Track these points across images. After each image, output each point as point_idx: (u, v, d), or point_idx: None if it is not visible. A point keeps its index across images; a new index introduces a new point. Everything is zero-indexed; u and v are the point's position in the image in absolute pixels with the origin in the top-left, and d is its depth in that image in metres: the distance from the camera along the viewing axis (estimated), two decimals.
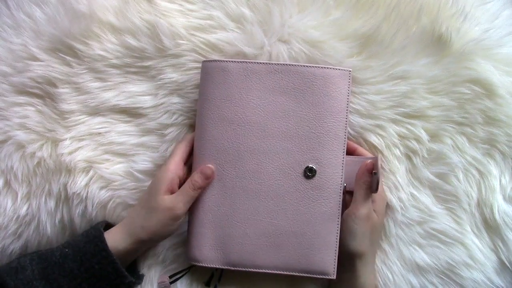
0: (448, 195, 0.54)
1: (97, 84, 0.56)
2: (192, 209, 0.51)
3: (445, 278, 0.54)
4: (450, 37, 0.52)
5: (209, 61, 0.52)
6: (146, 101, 0.56)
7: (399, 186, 0.54)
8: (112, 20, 0.56)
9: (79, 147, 0.56)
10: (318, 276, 0.50)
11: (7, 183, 0.55)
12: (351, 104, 0.53)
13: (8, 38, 0.57)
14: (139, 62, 0.56)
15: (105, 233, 0.49)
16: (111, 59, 0.56)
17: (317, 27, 0.53)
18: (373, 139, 0.54)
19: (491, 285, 0.53)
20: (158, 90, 0.55)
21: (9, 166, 0.55)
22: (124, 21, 0.55)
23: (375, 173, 0.48)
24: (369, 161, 0.50)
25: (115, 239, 0.48)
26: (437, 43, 0.53)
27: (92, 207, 0.54)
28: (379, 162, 0.49)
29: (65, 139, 0.55)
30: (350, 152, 0.53)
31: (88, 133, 0.56)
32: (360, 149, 0.53)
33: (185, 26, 0.55)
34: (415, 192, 0.54)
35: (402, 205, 0.54)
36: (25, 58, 0.56)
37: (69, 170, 0.55)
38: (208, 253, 0.50)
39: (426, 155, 0.54)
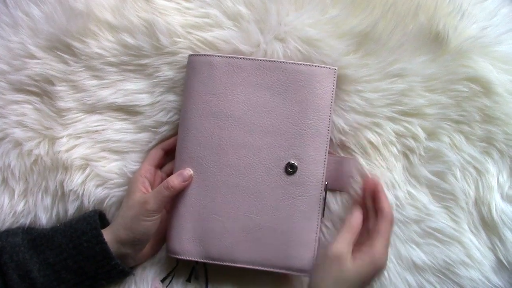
0: (446, 193, 0.54)
1: (94, 82, 0.56)
2: (174, 201, 0.51)
3: (442, 277, 0.53)
4: (448, 35, 0.52)
5: (195, 55, 0.52)
6: (143, 99, 0.56)
7: (396, 184, 0.53)
8: (109, 18, 0.56)
9: (76, 145, 0.56)
10: (296, 273, 0.50)
11: (4, 181, 0.56)
12: (347, 102, 0.53)
13: (6, 36, 0.58)
14: (136, 60, 0.56)
15: (104, 230, 0.49)
16: (108, 57, 0.56)
17: (313, 25, 0.53)
18: (370, 136, 0.54)
19: (489, 284, 0.53)
20: (155, 88, 0.55)
21: (6, 164, 0.55)
22: (121, 19, 0.56)
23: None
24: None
25: (108, 238, 0.49)
26: (435, 41, 0.53)
27: (88, 204, 0.54)
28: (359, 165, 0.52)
29: (62, 137, 0.56)
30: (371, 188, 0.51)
31: (85, 131, 0.56)
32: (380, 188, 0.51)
33: (182, 24, 0.55)
34: (412, 190, 0.54)
35: (398, 203, 0.53)
36: (22, 56, 0.57)
37: (66, 168, 0.55)
38: (187, 246, 0.50)
39: (423, 153, 0.54)
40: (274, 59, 0.51)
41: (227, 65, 0.51)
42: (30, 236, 0.49)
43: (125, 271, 0.50)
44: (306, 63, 0.51)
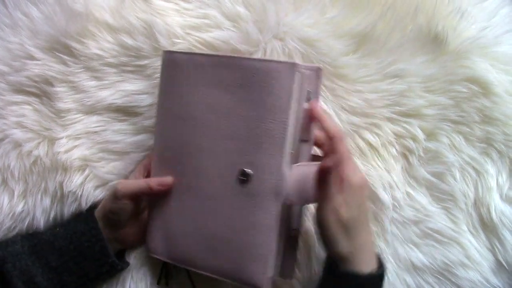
0: (445, 194, 0.54)
1: (93, 83, 0.56)
2: (152, 200, 0.51)
3: (441, 278, 0.53)
4: (447, 35, 0.52)
5: (165, 52, 0.50)
6: (142, 100, 0.56)
7: (394, 185, 0.53)
8: (108, 19, 0.56)
9: (75, 146, 0.56)
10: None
11: (4, 181, 0.56)
12: (347, 102, 0.53)
13: (5, 37, 0.58)
14: (135, 61, 0.56)
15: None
16: (107, 58, 0.56)
17: (312, 25, 0.53)
18: (369, 137, 0.53)
19: (488, 285, 0.53)
20: (154, 88, 0.55)
21: (6, 165, 0.55)
22: (120, 20, 0.56)
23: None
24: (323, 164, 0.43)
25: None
26: (434, 41, 0.53)
27: (86, 205, 0.55)
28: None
29: (62, 138, 0.56)
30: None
31: (84, 132, 0.56)
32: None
33: (181, 25, 0.55)
34: (411, 191, 0.54)
35: (397, 204, 0.53)
36: (22, 57, 0.57)
37: (65, 169, 0.55)
38: (157, 246, 0.50)
39: (422, 154, 0.54)
40: (232, 55, 0.48)
41: (188, 63, 0.47)
42: (30, 243, 0.49)
43: (122, 267, 0.51)
44: (263, 58, 0.47)
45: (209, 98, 0.46)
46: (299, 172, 0.45)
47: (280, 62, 0.45)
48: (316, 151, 0.50)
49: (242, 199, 0.45)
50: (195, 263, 0.48)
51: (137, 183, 0.49)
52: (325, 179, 0.43)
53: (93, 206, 0.53)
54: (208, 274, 0.48)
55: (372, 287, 0.44)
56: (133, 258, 0.55)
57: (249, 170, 0.44)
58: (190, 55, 0.48)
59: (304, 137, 0.46)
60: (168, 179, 0.48)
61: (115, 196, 0.48)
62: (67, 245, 0.48)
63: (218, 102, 0.46)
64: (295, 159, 0.46)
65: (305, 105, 0.45)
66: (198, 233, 0.47)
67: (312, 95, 0.46)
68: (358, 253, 0.43)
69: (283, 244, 0.47)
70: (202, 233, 0.47)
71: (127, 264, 0.53)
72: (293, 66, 0.43)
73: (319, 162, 0.44)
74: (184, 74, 0.47)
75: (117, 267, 0.50)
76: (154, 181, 0.48)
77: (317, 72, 0.46)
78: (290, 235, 0.48)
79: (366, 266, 0.43)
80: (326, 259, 0.46)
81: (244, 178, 0.45)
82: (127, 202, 0.49)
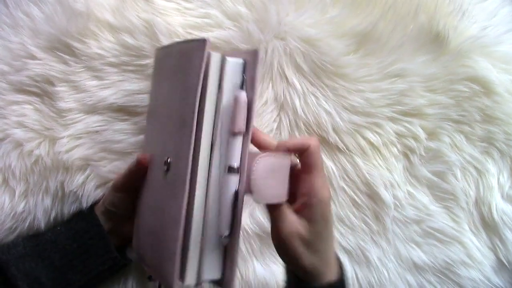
0: (446, 193, 0.54)
1: (94, 82, 0.56)
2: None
3: (442, 277, 0.53)
4: (448, 35, 0.52)
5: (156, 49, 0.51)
6: (144, 100, 0.55)
7: (396, 184, 0.54)
8: (109, 19, 0.56)
9: (77, 145, 0.56)
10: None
11: (4, 181, 0.55)
12: (348, 101, 0.53)
13: (6, 36, 0.57)
14: (136, 61, 0.56)
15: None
16: (108, 57, 0.56)
17: (313, 25, 0.53)
18: (370, 137, 0.54)
19: (489, 284, 0.53)
20: None
21: (7, 164, 0.55)
22: (122, 20, 0.55)
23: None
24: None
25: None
26: (435, 41, 0.53)
27: (87, 205, 0.54)
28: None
29: (63, 137, 0.55)
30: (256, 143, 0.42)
31: (86, 131, 0.56)
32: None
33: (182, 24, 0.55)
34: (412, 191, 0.54)
35: (399, 203, 0.53)
36: (23, 57, 0.57)
37: (67, 168, 0.55)
38: (134, 243, 0.50)
39: (423, 153, 0.54)
40: (173, 42, 0.48)
41: (157, 57, 0.49)
42: (32, 244, 0.49)
43: (125, 264, 0.51)
44: (187, 39, 0.46)
45: (160, 89, 0.46)
46: (266, 163, 0.38)
47: (193, 40, 0.41)
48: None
49: (164, 190, 0.42)
50: (146, 261, 0.45)
51: (125, 171, 0.48)
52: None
53: (94, 204, 0.53)
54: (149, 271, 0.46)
55: None
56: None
57: (170, 159, 0.41)
58: (160, 50, 0.48)
59: (235, 129, 0.38)
60: (142, 155, 0.47)
61: (112, 187, 0.49)
62: (70, 243, 0.48)
63: (162, 91, 0.46)
64: (225, 151, 0.39)
65: (240, 94, 0.38)
66: (145, 227, 0.46)
67: (247, 81, 0.39)
68: (322, 266, 0.40)
69: (213, 249, 0.40)
70: (146, 227, 0.45)
71: (129, 260, 0.53)
72: (202, 43, 0.37)
73: (283, 154, 0.38)
74: (156, 69, 0.49)
75: (120, 263, 0.50)
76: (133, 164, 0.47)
77: (254, 56, 0.38)
78: (222, 243, 0.40)
79: (330, 276, 0.41)
80: (286, 274, 0.44)
81: (166, 167, 0.41)
82: (125, 194, 0.49)
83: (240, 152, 0.39)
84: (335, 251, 0.43)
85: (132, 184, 0.48)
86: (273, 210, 0.39)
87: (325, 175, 0.41)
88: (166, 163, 0.41)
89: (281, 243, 0.39)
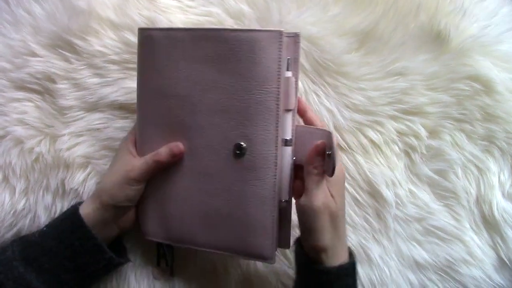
0: (447, 191, 0.54)
1: (96, 80, 0.56)
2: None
3: (443, 275, 0.53)
4: (449, 33, 0.53)
5: (140, 29, 0.48)
6: None
7: (397, 182, 0.54)
8: (111, 16, 0.56)
9: (78, 143, 0.55)
10: (257, 260, 0.47)
11: (5, 178, 0.55)
12: (349, 99, 0.53)
13: (7, 34, 0.57)
14: None
15: (80, 207, 0.48)
16: (110, 55, 0.56)
17: (315, 23, 0.53)
18: (372, 135, 0.54)
19: (490, 282, 0.53)
20: None
21: (8, 161, 0.55)
22: (123, 17, 0.56)
23: (329, 154, 0.42)
24: (320, 141, 0.44)
25: (87, 211, 0.47)
26: (436, 39, 0.53)
27: None
28: (334, 139, 0.42)
29: (64, 135, 0.55)
30: (301, 113, 0.48)
31: (87, 129, 0.56)
32: (315, 118, 0.48)
33: (183, 22, 0.55)
34: (413, 189, 0.54)
35: (400, 202, 0.53)
36: (24, 54, 0.56)
37: (67, 166, 0.55)
38: (152, 228, 0.50)
39: (424, 152, 0.54)
40: (212, 27, 0.47)
41: (166, 39, 0.45)
42: (20, 247, 0.47)
43: (121, 262, 0.49)
44: (247, 28, 0.46)
45: (192, 73, 0.45)
46: (303, 133, 0.46)
47: (265, 31, 0.43)
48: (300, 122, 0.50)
49: (239, 173, 0.44)
50: (195, 241, 0.48)
51: (146, 163, 0.47)
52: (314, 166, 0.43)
53: (77, 203, 0.50)
54: (210, 251, 0.47)
55: (348, 277, 0.44)
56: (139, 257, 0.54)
57: (244, 144, 0.44)
58: (167, 31, 0.46)
59: (289, 106, 0.45)
60: (175, 145, 0.46)
61: (129, 182, 0.47)
62: (57, 244, 0.46)
63: (202, 77, 0.45)
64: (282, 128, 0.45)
65: (287, 74, 0.44)
66: (196, 210, 0.47)
67: (292, 62, 0.45)
68: (338, 245, 0.44)
69: (277, 216, 0.46)
70: (200, 210, 0.47)
71: (127, 259, 0.52)
72: (279, 34, 0.42)
73: (316, 128, 0.46)
74: (163, 51, 0.46)
75: (115, 262, 0.48)
76: (163, 154, 0.46)
77: (295, 38, 0.45)
78: (280, 207, 0.47)
79: (343, 257, 0.44)
80: (298, 257, 0.46)
81: (239, 152, 0.44)
82: (140, 185, 0.48)
83: (291, 126, 0.46)
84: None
85: (155, 175, 0.48)
86: (314, 177, 0.43)
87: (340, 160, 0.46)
88: (239, 148, 0.44)
89: (312, 213, 0.42)
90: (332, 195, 0.43)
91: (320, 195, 0.42)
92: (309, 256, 0.44)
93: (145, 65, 0.47)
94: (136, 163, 0.47)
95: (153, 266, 0.54)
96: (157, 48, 0.46)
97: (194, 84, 0.45)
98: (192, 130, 0.46)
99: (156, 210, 0.49)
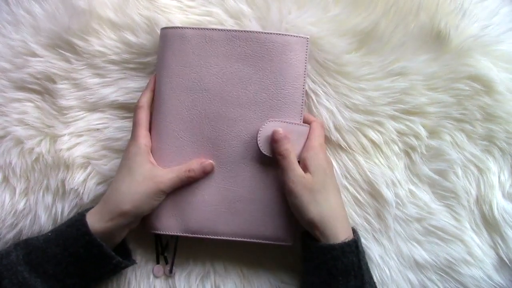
0: (447, 191, 0.54)
1: (96, 80, 0.56)
2: None
3: (444, 275, 0.53)
4: (449, 33, 0.53)
5: (167, 28, 0.52)
6: None
7: (397, 182, 0.54)
8: (111, 16, 0.56)
9: (78, 143, 0.56)
10: (276, 243, 0.50)
11: (5, 179, 0.55)
12: (349, 99, 0.53)
13: (8, 34, 0.57)
14: (137, 58, 0.56)
15: (87, 214, 0.47)
16: (110, 55, 0.56)
17: (315, 23, 0.53)
18: (372, 135, 0.54)
19: (490, 282, 0.53)
20: None
21: (8, 162, 0.55)
22: (123, 18, 0.56)
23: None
24: (274, 130, 0.49)
25: (94, 219, 0.47)
26: (436, 39, 0.53)
27: (88, 203, 0.54)
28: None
29: (64, 135, 0.55)
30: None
31: (87, 129, 0.56)
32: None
33: (183, 22, 0.55)
34: (413, 189, 0.54)
35: (400, 202, 0.53)
36: (24, 54, 0.57)
37: (67, 166, 0.55)
38: (166, 221, 0.50)
39: (425, 152, 0.54)
40: (247, 30, 0.51)
41: (199, 37, 0.50)
42: (24, 251, 0.46)
43: (128, 265, 0.50)
44: (278, 32, 0.50)
45: (223, 69, 0.50)
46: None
47: (295, 36, 0.50)
48: None
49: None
50: (215, 230, 0.50)
51: (178, 177, 0.49)
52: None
53: (85, 210, 0.50)
54: (230, 239, 0.50)
55: (349, 255, 0.45)
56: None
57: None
58: (201, 30, 0.51)
59: None
60: (208, 163, 0.50)
61: (158, 194, 0.48)
62: (61, 251, 0.46)
63: (233, 72, 0.50)
64: None
65: None
66: (218, 199, 0.50)
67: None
68: (330, 220, 0.46)
69: None
70: (223, 199, 0.50)
71: (133, 261, 0.52)
72: (306, 40, 0.50)
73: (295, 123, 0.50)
74: (194, 48, 0.50)
75: (121, 265, 0.48)
76: (197, 171, 0.49)
77: (306, 42, 0.51)
78: None
79: (341, 234, 0.45)
80: (303, 239, 0.49)
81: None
82: (165, 195, 0.50)
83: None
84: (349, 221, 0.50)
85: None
86: (283, 159, 0.48)
87: (321, 141, 0.51)
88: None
89: (291, 192, 0.47)
90: (309, 171, 0.47)
91: (292, 172, 0.47)
92: (308, 237, 0.48)
93: (171, 60, 0.51)
94: (166, 176, 0.49)
95: (153, 265, 0.54)
96: (187, 46, 0.51)
97: (225, 79, 0.50)
98: (219, 121, 0.50)
99: (171, 202, 0.50)
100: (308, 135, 0.50)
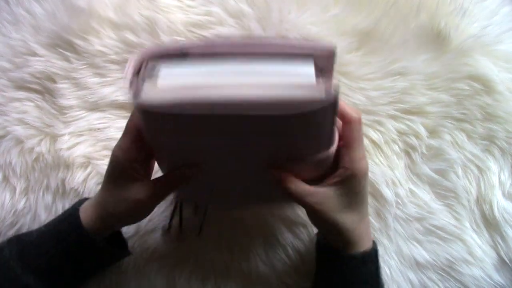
0: (447, 191, 0.54)
1: (96, 79, 0.56)
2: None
3: (444, 275, 0.53)
4: (449, 33, 0.53)
5: (144, 107, 0.32)
6: None
7: (397, 182, 0.54)
8: (111, 16, 0.56)
9: (78, 143, 0.55)
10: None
11: (5, 178, 0.55)
12: (350, 99, 0.53)
13: (8, 33, 0.57)
14: None
15: (80, 208, 0.45)
16: (110, 54, 0.56)
17: (315, 23, 0.53)
18: (372, 134, 0.54)
19: (491, 281, 0.53)
20: None
21: (8, 161, 0.55)
22: (123, 17, 0.56)
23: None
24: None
25: (88, 221, 0.44)
26: (436, 39, 0.53)
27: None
28: None
29: (64, 135, 0.55)
30: None
31: (87, 129, 0.56)
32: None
33: (183, 22, 0.55)
34: (414, 188, 0.54)
35: (400, 201, 0.53)
36: (24, 54, 0.57)
37: (68, 166, 0.55)
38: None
39: (425, 151, 0.54)
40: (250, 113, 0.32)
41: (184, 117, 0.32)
42: (17, 247, 0.45)
43: (122, 256, 0.49)
44: (299, 111, 0.30)
45: (225, 146, 0.36)
46: None
47: (319, 101, 0.29)
48: None
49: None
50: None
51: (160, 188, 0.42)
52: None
53: (79, 202, 0.47)
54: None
55: (368, 264, 0.43)
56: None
57: None
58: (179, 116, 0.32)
59: None
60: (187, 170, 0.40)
61: (141, 211, 0.44)
62: (54, 245, 0.44)
63: (236, 150, 0.37)
64: None
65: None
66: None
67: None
68: (356, 236, 0.42)
69: None
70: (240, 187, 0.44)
71: (128, 252, 0.50)
72: (334, 104, 0.31)
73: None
74: (180, 127, 0.34)
75: (116, 256, 0.48)
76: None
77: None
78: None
79: (363, 241, 0.43)
80: (321, 243, 0.46)
81: None
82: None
83: None
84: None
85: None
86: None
87: (363, 150, 0.40)
88: None
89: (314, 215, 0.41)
90: (338, 189, 0.40)
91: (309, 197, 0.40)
92: (330, 243, 0.44)
93: (161, 137, 0.37)
94: (146, 193, 0.41)
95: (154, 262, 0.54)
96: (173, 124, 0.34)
97: (227, 153, 0.38)
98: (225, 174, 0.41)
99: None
100: (350, 147, 0.39)
